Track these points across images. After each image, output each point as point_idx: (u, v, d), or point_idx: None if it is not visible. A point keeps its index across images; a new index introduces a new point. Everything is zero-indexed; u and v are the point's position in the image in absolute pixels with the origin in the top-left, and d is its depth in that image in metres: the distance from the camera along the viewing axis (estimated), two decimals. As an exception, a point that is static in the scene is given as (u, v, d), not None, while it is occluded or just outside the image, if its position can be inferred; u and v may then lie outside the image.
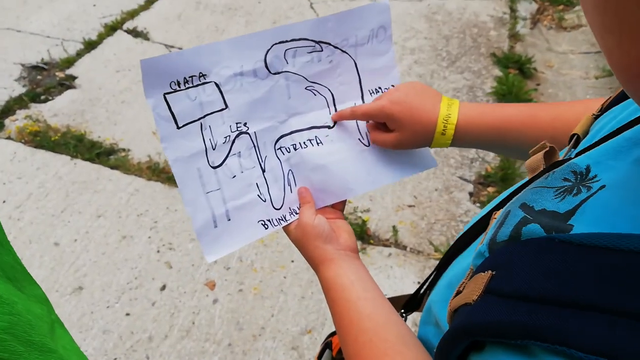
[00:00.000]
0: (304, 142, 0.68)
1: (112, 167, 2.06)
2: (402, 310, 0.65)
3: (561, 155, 0.44)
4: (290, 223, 0.64)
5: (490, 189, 2.06)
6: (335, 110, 0.69)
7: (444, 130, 0.62)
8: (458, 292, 0.34)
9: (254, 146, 0.65)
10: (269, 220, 0.65)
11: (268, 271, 1.73)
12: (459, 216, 1.94)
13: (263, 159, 0.66)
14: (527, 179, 0.43)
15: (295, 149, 0.67)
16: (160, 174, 2.04)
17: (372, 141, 0.68)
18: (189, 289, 1.66)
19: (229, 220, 0.63)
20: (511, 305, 0.27)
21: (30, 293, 0.44)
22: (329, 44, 0.66)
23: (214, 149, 0.62)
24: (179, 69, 0.59)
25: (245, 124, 0.64)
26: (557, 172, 0.37)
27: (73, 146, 2.13)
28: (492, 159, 2.20)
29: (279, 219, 0.65)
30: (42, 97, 2.41)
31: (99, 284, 1.66)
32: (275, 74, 0.65)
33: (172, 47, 2.75)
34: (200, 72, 0.60)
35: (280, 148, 0.67)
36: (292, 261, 1.76)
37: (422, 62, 2.78)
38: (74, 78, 2.53)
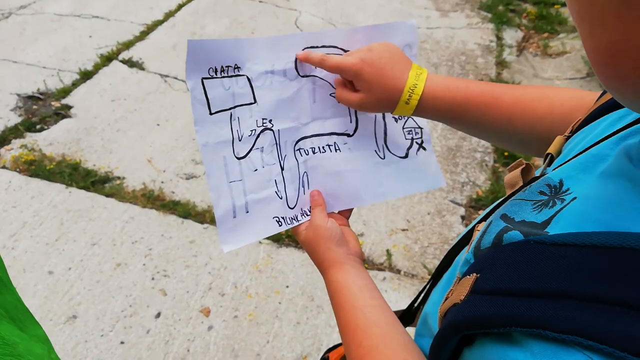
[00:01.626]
0: (323, 147, 0.70)
1: (107, 195, 2.08)
2: None
3: (537, 173, 0.47)
4: (301, 224, 0.66)
5: (481, 212, 2.09)
6: (357, 119, 0.71)
7: (408, 99, 0.62)
8: (446, 298, 0.37)
9: (276, 143, 0.67)
10: (283, 218, 0.67)
11: (263, 297, 1.73)
12: (451, 239, 1.96)
13: (283, 157, 0.68)
14: (506, 195, 0.46)
15: (313, 152, 0.69)
16: (155, 201, 2.06)
17: (337, 97, 0.67)
18: (183, 316, 1.66)
19: (247, 212, 0.65)
20: (493, 301, 0.30)
21: (31, 333, 0.45)
22: None
23: (240, 140, 0.65)
24: (219, 56, 0.62)
25: (270, 121, 0.67)
26: (533, 186, 0.41)
27: (68, 175, 2.15)
28: (482, 182, 2.23)
29: (291, 218, 0.67)
30: (38, 127, 2.43)
31: (93, 312, 1.66)
32: (303, 76, 0.68)
33: (167, 76, 2.80)
34: (236, 64, 0.63)
35: (299, 149, 0.69)
36: (287, 286, 1.77)
37: (412, 89, 2.84)
38: (69, 107, 2.56)
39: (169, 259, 1.83)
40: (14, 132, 2.38)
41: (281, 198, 0.67)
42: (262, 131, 0.66)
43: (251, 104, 0.66)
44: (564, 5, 3.82)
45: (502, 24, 3.53)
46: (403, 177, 0.73)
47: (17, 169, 2.18)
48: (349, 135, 0.72)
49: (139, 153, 2.30)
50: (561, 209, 0.35)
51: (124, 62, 2.92)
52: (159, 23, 3.33)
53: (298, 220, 0.67)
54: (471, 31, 3.45)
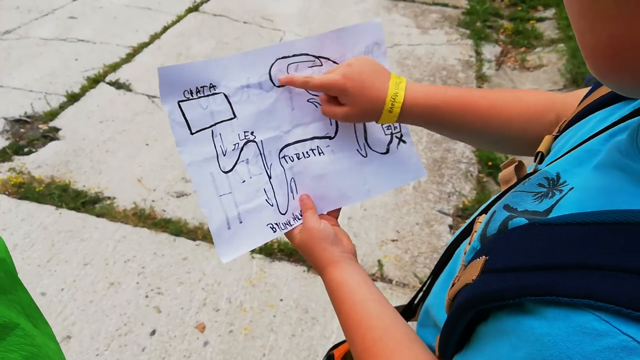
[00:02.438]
0: (307, 152, 0.72)
1: (98, 216, 2.08)
2: None
3: (529, 170, 0.51)
4: (294, 228, 0.68)
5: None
6: (336, 121, 0.73)
7: (391, 108, 0.65)
8: (454, 284, 0.40)
9: (261, 154, 0.70)
10: (276, 224, 0.69)
11: (257, 311, 1.75)
12: (440, 248, 2.00)
13: (269, 166, 0.70)
14: (501, 191, 0.50)
15: (298, 158, 0.72)
16: (147, 219, 2.06)
17: (323, 112, 0.70)
18: (179, 333, 1.66)
19: (241, 222, 0.67)
20: (505, 277, 0.33)
21: (44, 331, 0.48)
22: (328, 59, 0.72)
23: (224, 155, 0.67)
24: (191, 79, 0.64)
25: (252, 133, 0.69)
26: (532, 179, 0.45)
27: (58, 196, 2.15)
28: (468, 192, 2.29)
29: (284, 224, 0.69)
30: (26, 149, 2.43)
31: (88, 332, 1.65)
32: (279, 86, 0.70)
33: (155, 97, 2.83)
34: (211, 83, 0.65)
35: (284, 157, 0.71)
36: (281, 300, 1.78)
37: (396, 103, 2.91)
38: (57, 130, 2.57)
39: (162, 277, 1.84)
40: (2, 155, 2.38)
41: (272, 205, 0.70)
42: (245, 144, 0.69)
43: (231, 119, 0.68)
44: (539, 20, 3.96)
45: (480, 39, 3.63)
46: (386, 172, 0.76)
47: (6, 192, 2.17)
48: (330, 138, 0.74)
49: (129, 173, 2.31)
50: (560, 198, 0.38)
51: (110, 84, 2.94)
52: (144, 45, 3.36)
53: (291, 225, 0.69)
54: (451, 47, 3.55)
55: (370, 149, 0.76)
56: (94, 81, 2.94)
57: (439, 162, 2.47)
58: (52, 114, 2.67)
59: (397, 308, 0.68)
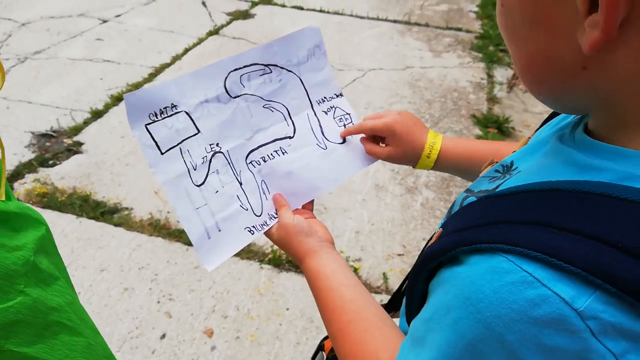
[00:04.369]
0: (271, 154, 0.77)
1: (115, 225, 2.17)
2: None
3: None
4: (271, 227, 0.74)
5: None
6: (292, 121, 0.80)
7: (429, 154, 0.77)
8: None
9: (229, 163, 0.74)
10: (253, 226, 0.73)
11: (264, 319, 1.80)
12: (446, 263, 2.04)
13: (238, 173, 0.74)
14: None
15: (264, 161, 0.76)
16: (162, 230, 2.15)
17: (366, 151, 0.80)
18: (188, 337, 1.72)
19: (220, 230, 0.71)
20: (447, 237, 0.40)
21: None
22: (276, 66, 0.77)
23: (195, 170, 0.71)
24: (154, 101, 0.67)
25: (217, 145, 0.73)
26: (492, 167, 0.53)
27: (79, 206, 2.25)
28: (475, 210, 2.32)
29: (261, 225, 0.74)
30: (50, 162, 2.56)
31: (102, 334, 1.72)
32: (235, 97, 0.74)
33: (173, 114, 2.94)
34: (172, 103, 0.69)
35: (251, 162, 0.76)
36: (287, 309, 1.84)
37: (407, 123, 2.97)
38: (80, 144, 2.70)
39: (174, 284, 1.91)
40: (28, 167, 2.50)
41: (247, 210, 0.73)
42: (212, 155, 0.72)
43: (196, 134, 0.71)
44: (551, 45, 4.01)
45: (492, 62, 3.70)
46: (347, 159, 0.81)
47: (31, 201, 2.28)
48: (290, 138, 0.79)
49: (147, 185, 2.41)
50: (508, 179, 0.46)
51: (133, 101, 3.07)
52: (166, 66, 3.51)
53: (267, 225, 0.74)
54: (463, 70, 3.63)
55: (329, 141, 0.82)
56: (117, 99, 3.08)
57: (447, 180, 2.52)
58: (77, 129, 2.80)
59: (388, 301, 0.74)
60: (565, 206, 0.34)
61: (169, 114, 0.69)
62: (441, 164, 0.78)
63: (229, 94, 0.74)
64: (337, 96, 0.85)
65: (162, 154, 0.68)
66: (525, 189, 0.38)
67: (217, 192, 0.72)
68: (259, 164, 0.76)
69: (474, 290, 0.34)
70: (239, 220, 0.73)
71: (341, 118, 0.84)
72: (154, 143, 0.68)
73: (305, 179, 0.78)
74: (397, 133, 0.77)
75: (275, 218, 0.75)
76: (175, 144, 0.69)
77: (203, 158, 0.72)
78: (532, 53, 0.38)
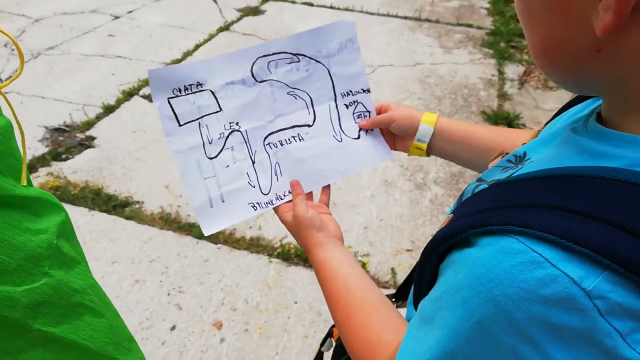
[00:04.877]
0: (289, 139, 0.80)
1: (127, 218, 2.20)
2: (393, 300, 0.77)
3: None
4: (286, 214, 0.76)
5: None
6: (314, 110, 0.82)
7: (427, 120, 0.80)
8: None
9: (245, 141, 0.77)
10: (257, 203, 0.77)
11: (272, 312, 1.81)
12: (454, 259, 2.04)
13: (253, 153, 0.78)
14: None
15: (281, 145, 0.79)
16: (172, 223, 2.17)
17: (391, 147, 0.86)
18: (197, 329, 1.74)
19: (223, 201, 0.75)
20: (459, 221, 0.41)
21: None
22: (305, 56, 0.79)
23: (210, 143, 0.74)
24: (179, 79, 0.71)
25: (237, 124, 0.77)
26: (505, 157, 0.54)
27: (91, 199, 2.28)
28: (484, 206, 2.32)
29: (266, 202, 0.77)
30: (63, 156, 2.59)
31: (113, 325, 1.74)
32: (261, 82, 0.77)
33: (184, 109, 2.97)
34: (198, 82, 0.73)
35: (269, 144, 0.79)
36: (296, 302, 1.85)
37: (416, 119, 2.97)
38: (93, 139, 2.73)
39: (184, 276, 1.93)
40: (41, 161, 2.54)
41: (254, 187, 0.77)
42: (230, 133, 0.76)
43: (217, 112, 0.75)
44: (563, 41, 3.97)
45: (503, 59, 3.68)
46: (359, 154, 0.84)
47: (44, 194, 2.32)
48: (309, 126, 0.82)
49: (158, 180, 2.44)
50: (521, 168, 0.47)
51: (144, 97, 3.10)
52: (177, 61, 3.53)
53: (272, 204, 0.77)
54: (474, 66, 3.61)
55: (345, 134, 0.84)
56: (128, 94, 3.11)
57: (456, 176, 2.52)
58: (89, 124, 2.83)
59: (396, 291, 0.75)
60: (575, 190, 0.35)
61: (193, 91, 0.72)
62: (439, 136, 0.80)
63: (254, 78, 0.77)
64: (364, 91, 0.86)
65: (180, 125, 0.72)
66: (536, 175, 0.39)
67: (227, 166, 0.75)
68: (276, 147, 0.79)
69: (484, 270, 0.35)
70: (244, 195, 0.76)
71: (359, 115, 0.85)
72: (174, 115, 0.72)
73: (316, 167, 0.81)
74: (397, 117, 0.82)
75: (281, 199, 0.78)
76: (195, 118, 0.73)
77: (220, 134, 0.75)
78: (546, 37, 0.39)
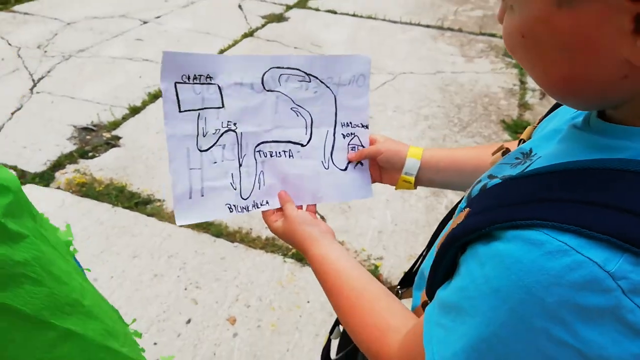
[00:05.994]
0: (279, 152, 0.81)
1: (148, 215, 2.27)
2: (398, 286, 0.80)
3: None
4: (276, 223, 0.78)
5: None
6: (311, 132, 0.83)
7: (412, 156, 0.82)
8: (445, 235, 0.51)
9: (238, 143, 0.78)
10: (234, 206, 0.78)
11: (285, 310, 1.85)
12: (467, 265, 2.05)
13: (242, 156, 0.79)
14: None
15: (270, 156, 0.81)
16: (191, 221, 2.23)
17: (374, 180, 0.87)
18: (211, 324, 1.79)
19: (202, 196, 0.75)
20: (480, 215, 0.43)
21: (66, 259, 0.66)
22: (317, 78, 0.81)
23: (204, 136, 0.75)
24: (192, 67, 0.72)
25: (234, 124, 0.77)
26: (511, 154, 0.57)
27: (114, 196, 2.37)
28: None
29: (242, 207, 0.78)
30: (90, 154, 2.69)
31: (131, 316, 1.81)
32: (268, 90, 0.78)
33: (207, 112, 3.04)
34: (208, 75, 0.74)
35: (259, 151, 0.80)
36: (308, 302, 1.89)
37: (435, 127, 2.99)
38: (118, 138, 2.82)
39: (201, 273, 1.99)
40: (69, 158, 2.64)
41: (235, 189, 0.78)
42: (225, 131, 0.76)
43: (219, 108, 0.76)
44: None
45: (525, 69, 3.67)
46: (339, 186, 0.85)
47: (70, 190, 2.41)
48: (302, 145, 0.82)
49: (179, 179, 2.50)
50: (530, 164, 0.50)
51: (169, 99, 3.19)
52: (202, 66, 3.62)
53: (248, 210, 0.78)
54: (495, 76, 3.61)
55: (333, 163, 0.85)
56: (154, 96, 3.20)
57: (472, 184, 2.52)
58: (115, 124, 2.93)
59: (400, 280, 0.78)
60: (587, 182, 0.38)
61: (201, 82, 0.73)
62: (426, 165, 0.82)
63: (263, 86, 0.78)
64: (362, 126, 0.87)
65: (180, 112, 0.73)
66: (548, 170, 0.42)
67: (215, 162, 0.76)
68: (265, 156, 0.81)
69: (513, 261, 0.38)
70: (224, 194, 0.77)
71: (354, 147, 0.86)
72: (177, 100, 0.72)
73: (295, 185, 0.82)
74: (384, 150, 0.84)
75: (257, 207, 0.79)
76: (196, 109, 0.74)
77: (216, 130, 0.76)
78: (567, 76, 0.41)
